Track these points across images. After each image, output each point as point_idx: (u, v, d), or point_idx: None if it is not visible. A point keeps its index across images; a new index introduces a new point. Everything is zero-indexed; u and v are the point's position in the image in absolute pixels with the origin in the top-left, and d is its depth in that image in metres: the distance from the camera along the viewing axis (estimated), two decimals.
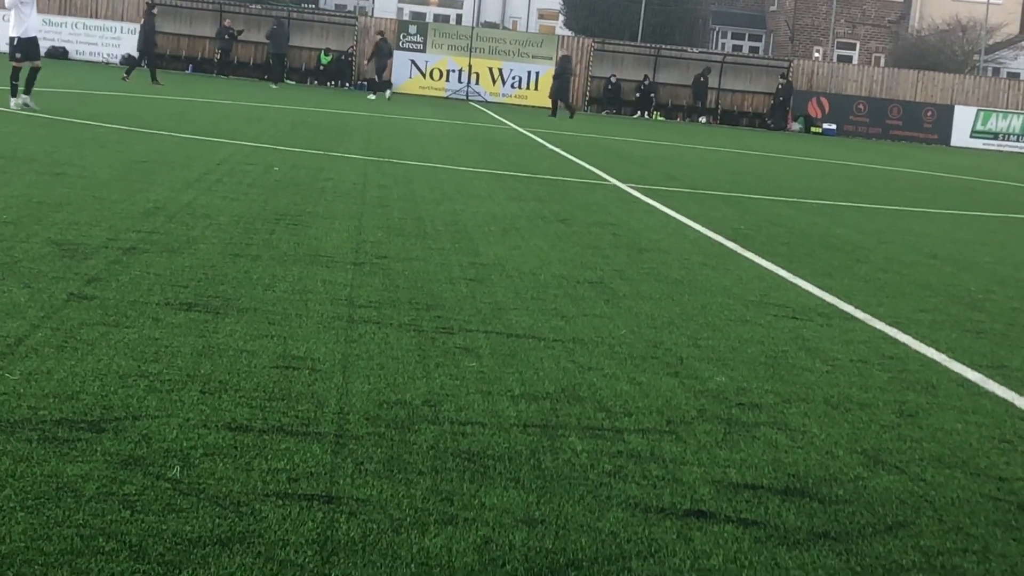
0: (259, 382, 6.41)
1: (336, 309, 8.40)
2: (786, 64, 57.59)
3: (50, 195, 12.35)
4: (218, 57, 53.75)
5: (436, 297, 9.18)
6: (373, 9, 68.75)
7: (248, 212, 12.59)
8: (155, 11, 44.61)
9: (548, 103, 51.56)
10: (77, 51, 53.45)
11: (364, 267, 10.16)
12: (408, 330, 7.99)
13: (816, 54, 65.90)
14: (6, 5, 23.21)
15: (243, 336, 7.37)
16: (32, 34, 23.22)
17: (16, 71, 23.05)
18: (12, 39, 23.13)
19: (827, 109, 56.31)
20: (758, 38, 71.50)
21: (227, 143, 20.60)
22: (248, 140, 21.66)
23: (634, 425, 6.30)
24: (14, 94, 23.13)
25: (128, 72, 41.45)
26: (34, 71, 23.17)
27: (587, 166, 23.51)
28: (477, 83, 55.95)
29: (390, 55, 49.69)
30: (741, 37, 71.39)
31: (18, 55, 23.10)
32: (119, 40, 54.40)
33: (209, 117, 27.37)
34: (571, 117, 45.91)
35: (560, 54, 50.94)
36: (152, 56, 42.40)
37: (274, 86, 48.74)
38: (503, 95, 55.79)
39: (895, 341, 9.27)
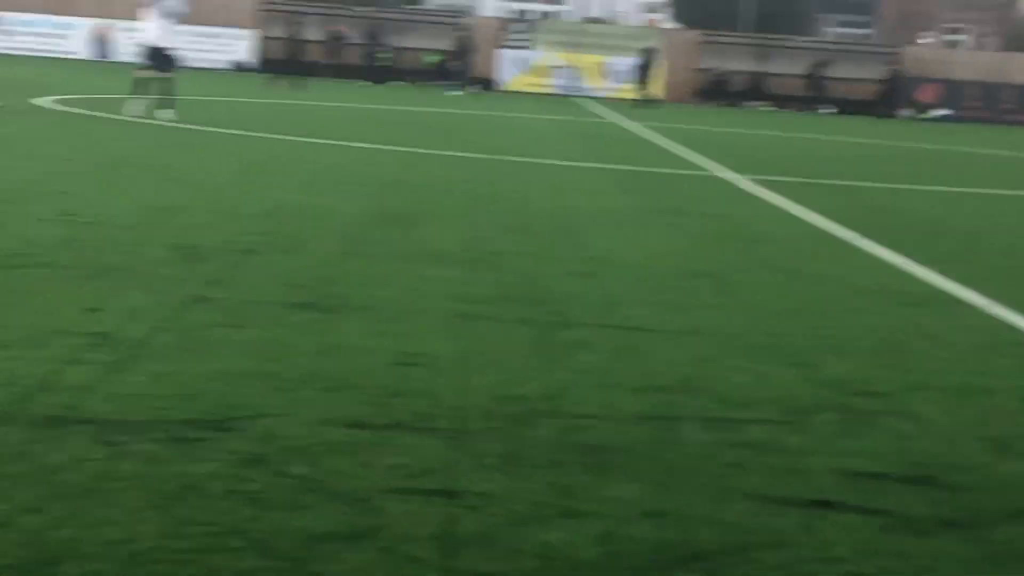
0: (377, 379, 6.45)
1: (451, 306, 8.43)
2: (895, 51, 56.95)
3: (169, 200, 12.52)
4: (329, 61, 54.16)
5: (550, 292, 9.19)
6: (478, 8, 68.83)
7: (361, 212, 12.68)
8: (300, 21, 45.32)
9: (657, 96, 51.55)
10: (190, 58, 54.00)
11: (477, 264, 10.19)
12: (523, 325, 8.00)
13: (925, 39, 65.09)
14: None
15: (360, 334, 7.42)
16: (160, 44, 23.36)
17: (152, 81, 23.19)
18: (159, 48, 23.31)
19: (938, 95, 55.63)
20: (866, 25, 70.76)
21: (339, 145, 20.76)
22: (360, 142, 21.80)
23: (754, 416, 6.26)
24: (172, 105, 23.28)
25: (271, 79, 42.27)
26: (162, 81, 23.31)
27: (697, 158, 23.41)
28: (583, 79, 55.88)
29: (472, 51, 50.12)
30: (849, 25, 70.68)
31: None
32: (231, 46, 54.97)
33: (322, 120, 27.59)
34: (653, 107, 45.89)
35: (646, 45, 50.77)
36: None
37: (366, 83, 49.32)
38: (609, 89, 55.68)
39: (1016, 327, 9.14)
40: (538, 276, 9.81)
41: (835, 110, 55.39)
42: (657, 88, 49.70)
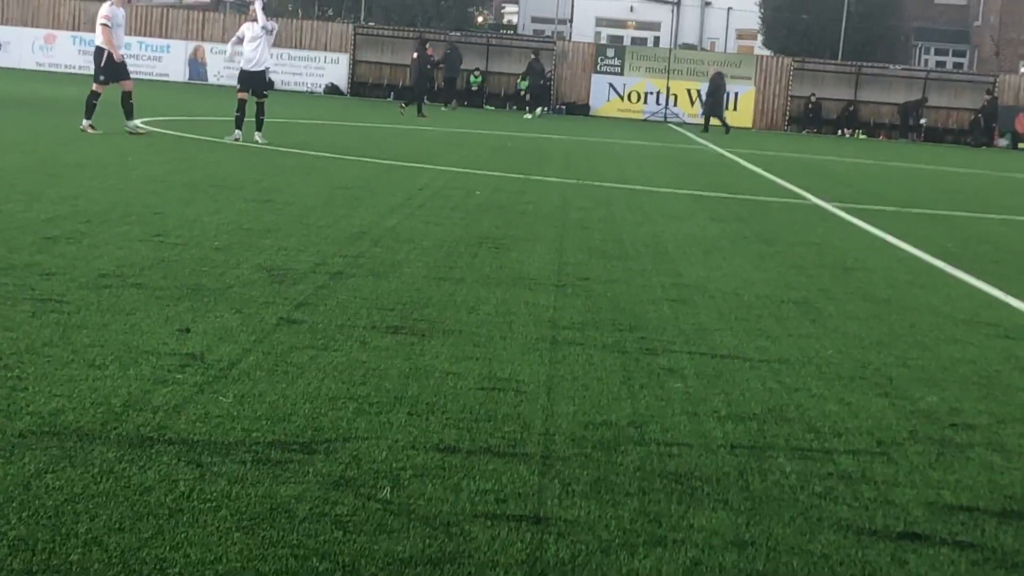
0: (465, 403, 6.44)
1: (540, 331, 8.42)
2: (992, 79, 56.41)
3: (259, 222, 12.60)
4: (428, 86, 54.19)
5: (639, 318, 9.15)
6: (571, 33, 69.00)
7: (451, 236, 12.70)
8: (428, 46, 45.46)
9: (747, 123, 51.45)
10: (283, 81, 54.42)
11: (566, 289, 10.17)
12: (612, 351, 7.97)
13: (1023, 69, 64.42)
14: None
15: (449, 358, 7.42)
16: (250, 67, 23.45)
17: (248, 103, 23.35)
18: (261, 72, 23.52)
19: None
20: (962, 53, 70.16)
21: (429, 168, 20.83)
22: (449, 165, 21.87)
23: (844, 446, 6.20)
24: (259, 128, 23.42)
25: (404, 104, 42.54)
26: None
27: (788, 185, 23.27)
28: (675, 104, 55.81)
29: (542, 74, 50.33)
30: (945, 53, 70.12)
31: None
32: (323, 70, 55.43)
33: (411, 143, 27.71)
34: (727, 133, 45.73)
35: (714, 71, 50.55)
36: (423, 90, 43.59)
37: (445, 108, 49.58)
38: (701, 115, 55.58)
39: None
40: (627, 302, 9.77)
41: (915, 138, 54.93)
42: (727, 115, 49.51)
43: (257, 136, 23.09)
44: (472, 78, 55.58)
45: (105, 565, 4.15)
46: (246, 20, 23.69)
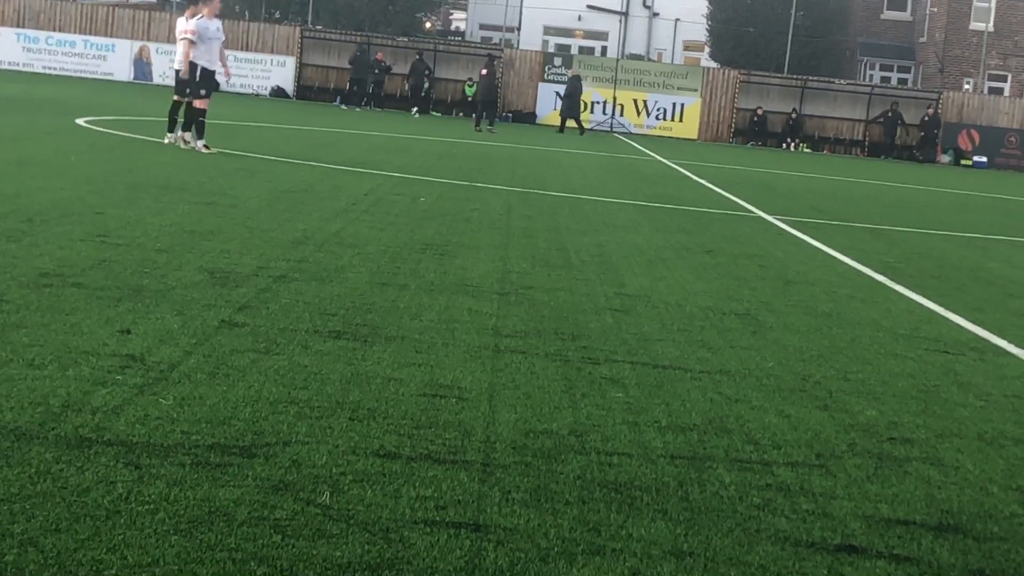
0: (407, 410, 6.44)
1: (482, 338, 8.42)
2: (935, 96, 56.84)
3: (202, 224, 12.54)
4: (370, 89, 54.25)
5: (582, 327, 9.17)
6: (519, 41, 69.06)
7: (395, 241, 12.69)
8: (496, 62, 45.63)
9: (693, 135, 51.77)
10: (228, 83, 54.05)
11: (510, 297, 10.17)
12: (554, 360, 7.98)
13: (966, 86, 64.97)
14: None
15: (391, 364, 7.41)
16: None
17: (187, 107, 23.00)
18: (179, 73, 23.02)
19: (978, 141, 55.49)
20: (907, 69, 70.61)
21: (374, 173, 20.79)
22: (395, 171, 21.84)
23: (783, 458, 6.23)
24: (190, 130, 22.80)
25: (477, 122, 43.53)
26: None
27: (733, 198, 23.38)
28: (622, 115, 55.97)
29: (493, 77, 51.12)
30: (890, 68, 70.55)
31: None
32: (269, 73, 55.24)
33: (356, 148, 27.66)
34: (581, 134, 47.52)
35: (571, 73, 51.39)
36: (490, 105, 44.15)
37: (345, 107, 49.99)
38: (648, 127, 55.78)
39: None
40: (570, 311, 9.78)
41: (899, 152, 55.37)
42: (583, 117, 50.55)
43: (189, 139, 22.66)
44: (467, 87, 55.60)
45: (40, 566, 4.12)
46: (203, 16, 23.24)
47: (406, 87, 54.29)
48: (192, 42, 22.22)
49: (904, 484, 5.99)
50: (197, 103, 22.32)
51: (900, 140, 55.62)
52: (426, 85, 54.87)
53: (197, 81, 22.31)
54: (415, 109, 52.48)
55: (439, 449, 5.82)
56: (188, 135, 22.49)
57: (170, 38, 51.96)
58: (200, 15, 22.59)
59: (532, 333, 8.76)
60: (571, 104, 49.00)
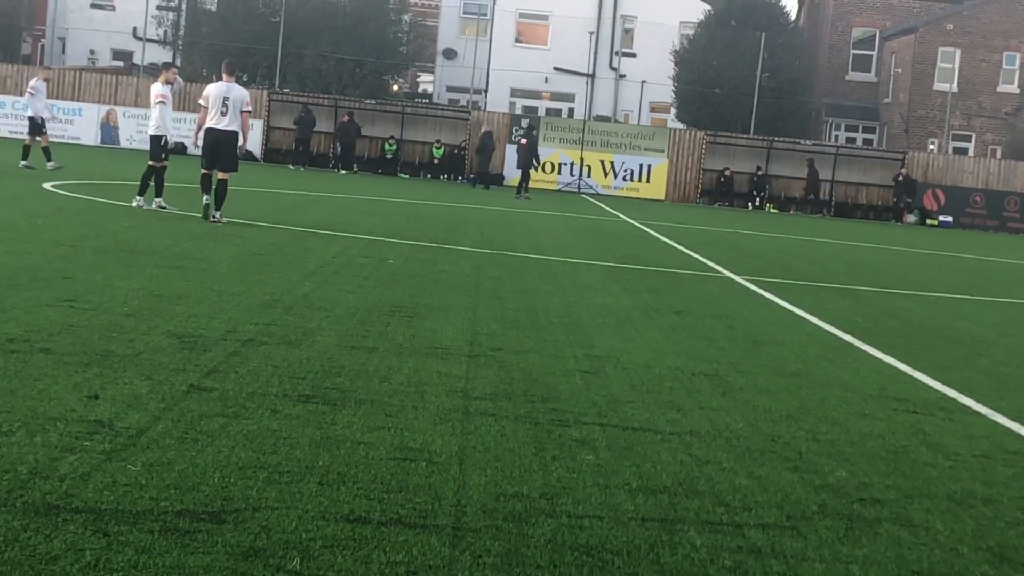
0: (376, 474, 6.42)
1: (452, 401, 8.41)
2: (901, 156, 57.21)
3: (170, 288, 12.52)
4: (338, 151, 54.34)
5: (551, 389, 9.17)
6: (486, 104, 69.32)
7: (364, 304, 12.68)
8: (535, 132, 46.58)
9: (660, 195, 52.15)
10: (196, 145, 54.02)
11: (479, 359, 10.17)
12: (524, 422, 7.97)
13: (931, 146, 65.43)
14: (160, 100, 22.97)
15: (360, 428, 7.39)
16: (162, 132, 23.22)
17: (161, 171, 22.98)
18: (160, 138, 23.08)
19: (943, 201, 55.84)
20: (872, 130, 71.06)
21: (342, 236, 20.80)
22: (363, 233, 21.85)
23: (754, 520, 6.23)
24: (159, 194, 22.83)
25: (520, 191, 45.07)
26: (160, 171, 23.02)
27: (701, 258, 23.45)
28: (589, 175, 56.14)
29: (493, 149, 51.73)
30: (855, 129, 71.01)
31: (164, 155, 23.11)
32: None
33: (324, 211, 27.67)
34: (474, 186, 50.21)
35: (484, 130, 53.04)
36: (528, 171, 45.93)
37: (292, 167, 50.68)
38: (615, 187, 55.95)
39: (1018, 436, 9.11)
40: (540, 373, 9.78)
41: (824, 213, 55.61)
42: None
43: (160, 201, 22.68)
44: (387, 146, 55.67)
45: None
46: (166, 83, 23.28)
47: (337, 148, 54.66)
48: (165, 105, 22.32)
49: (875, 545, 5.99)
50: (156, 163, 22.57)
51: (904, 205, 55.77)
52: (388, 145, 55.25)
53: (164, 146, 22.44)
54: (343, 169, 53.22)
55: (409, 513, 5.80)
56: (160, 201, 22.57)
57: (137, 102, 52.22)
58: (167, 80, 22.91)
59: (502, 395, 8.76)
60: (482, 159, 51.56)
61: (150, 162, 22.93)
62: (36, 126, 32.72)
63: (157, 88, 23.07)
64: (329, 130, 55.28)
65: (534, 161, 47.48)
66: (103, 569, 4.74)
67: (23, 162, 32.01)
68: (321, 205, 29.51)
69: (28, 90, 33.78)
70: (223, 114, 21.27)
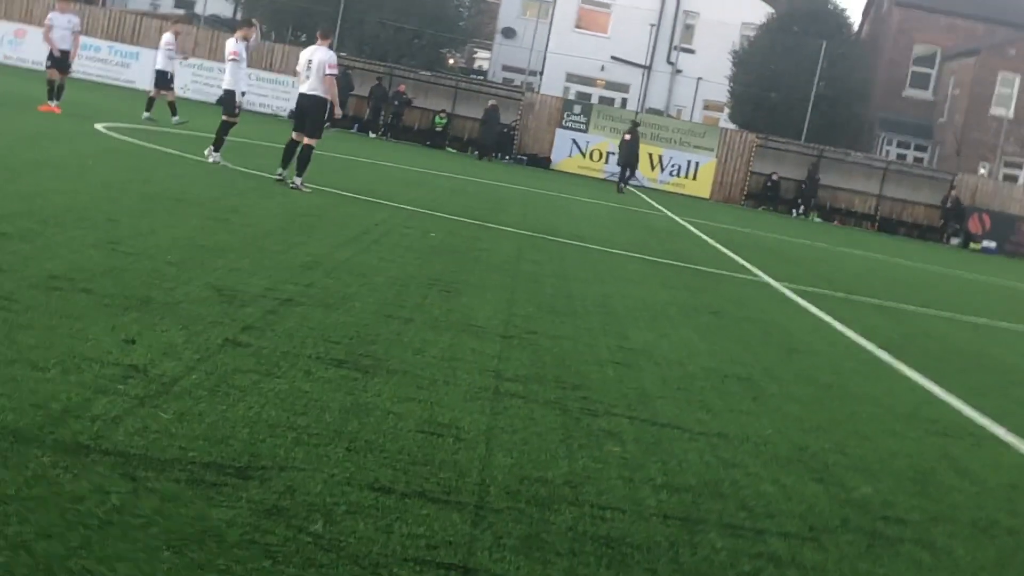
0: (404, 445, 6.43)
1: (483, 380, 8.42)
2: (951, 177, 56.93)
3: (213, 240, 12.56)
4: (389, 120, 54.42)
5: (583, 377, 9.16)
6: (540, 85, 69.21)
7: (403, 274, 12.70)
8: (639, 127, 48.15)
9: (705, 194, 52.08)
10: (249, 102, 54.21)
11: (513, 340, 10.17)
12: (553, 408, 7.98)
13: (982, 170, 65.06)
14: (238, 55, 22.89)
15: (391, 397, 7.41)
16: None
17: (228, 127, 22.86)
18: (232, 93, 22.96)
19: (988, 226, 55.52)
20: (924, 148, 70.71)
21: (387, 204, 20.82)
22: (407, 203, 21.86)
23: (776, 528, 6.22)
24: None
25: (621, 185, 45.91)
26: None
27: (741, 261, 23.39)
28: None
29: (498, 121, 52.13)
30: (907, 146, 70.66)
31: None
32: (288, 94, 55.28)
33: (370, 177, 27.70)
34: (478, 159, 50.67)
35: (490, 103, 53.87)
36: (632, 168, 47.00)
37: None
38: (661, 182, 55.80)
39: None
40: (573, 360, 9.78)
41: (870, 226, 55.43)
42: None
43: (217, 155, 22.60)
44: (437, 119, 55.67)
45: (31, 570, 4.11)
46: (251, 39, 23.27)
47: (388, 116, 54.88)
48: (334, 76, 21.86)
49: (895, 565, 5.97)
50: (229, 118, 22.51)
51: (952, 230, 55.51)
52: (439, 119, 55.29)
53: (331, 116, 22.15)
54: (373, 132, 53.38)
55: (433, 488, 5.81)
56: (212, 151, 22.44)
57: (195, 52, 52.29)
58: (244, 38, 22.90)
59: (533, 379, 8.76)
60: (487, 132, 52.51)
61: (223, 117, 22.83)
62: (164, 79, 32.83)
63: (231, 44, 23.06)
64: (364, 94, 55.13)
65: (636, 156, 47.56)
66: (128, 514, 4.76)
67: (145, 114, 31.94)
68: (367, 172, 29.54)
69: (164, 45, 33.65)
70: (307, 78, 21.23)
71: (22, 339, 7.13)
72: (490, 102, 53.83)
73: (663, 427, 8.02)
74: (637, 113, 57.89)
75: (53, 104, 27.94)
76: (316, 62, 21.13)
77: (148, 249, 11.21)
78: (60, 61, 29.01)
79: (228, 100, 22.91)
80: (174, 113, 31.99)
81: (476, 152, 53.90)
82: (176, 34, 34.79)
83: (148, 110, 32.10)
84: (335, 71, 21.43)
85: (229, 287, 10.06)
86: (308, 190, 20.43)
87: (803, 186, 55.96)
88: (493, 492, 5.93)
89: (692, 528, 5.95)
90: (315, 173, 22.05)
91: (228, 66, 22.96)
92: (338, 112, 21.60)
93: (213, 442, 5.85)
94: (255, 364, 7.60)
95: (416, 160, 39.91)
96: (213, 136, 22.66)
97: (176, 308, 8.82)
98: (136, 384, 6.61)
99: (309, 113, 21.31)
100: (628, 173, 46.95)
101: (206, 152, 22.52)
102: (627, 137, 46.99)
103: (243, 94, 23.25)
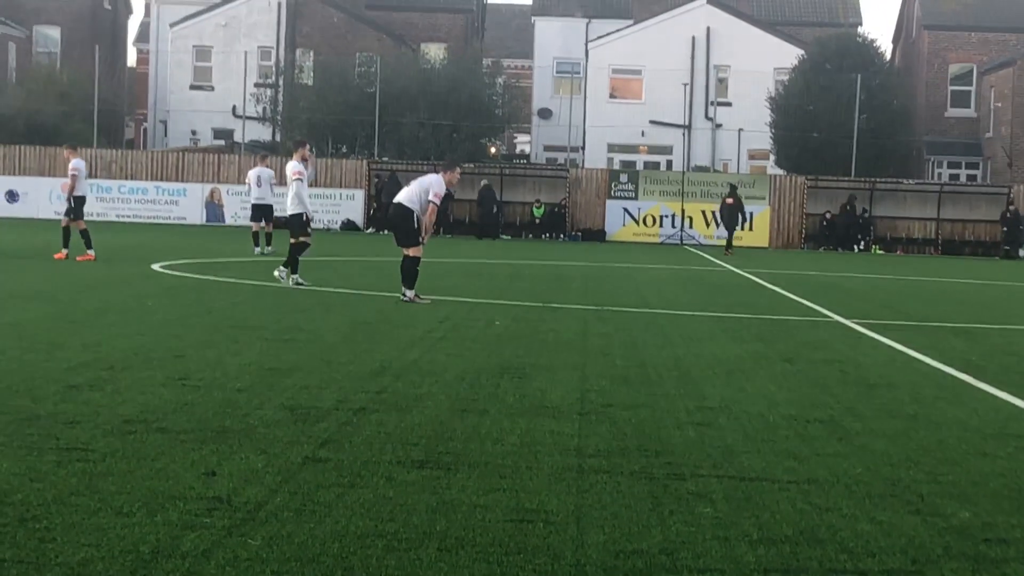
0: (494, 536, 6.41)
1: (566, 460, 8.39)
2: (1007, 190, 56.53)
3: (280, 361, 12.62)
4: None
5: (664, 443, 9.12)
6: (584, 160, 69.45)
7: (472, 367, 12.71)
8: (738, 189, 49.16)
9: (764, 242, 52.04)
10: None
11: (590, 416, 10.14)
12: (639, 478, 7.94)
13: None
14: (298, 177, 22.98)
15: (475, 491, 7.39)
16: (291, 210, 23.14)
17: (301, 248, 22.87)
18: (300, 215, 22.90)
19: None
20: (975, 166, 70.35)
21: (449, 300, 20.87)
22: (468, 296, 21.92)
23: (878, 566, 6.14)
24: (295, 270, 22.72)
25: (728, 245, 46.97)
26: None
27: (808, 303, 23.27)
28: (691, 227, 55.98)
29: (493, 200, 53.83)
30: (957, 166, 70.35)
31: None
32: (338, 207, 55.73)
33: (429, 276, 27.79)
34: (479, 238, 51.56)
35: (483, 183, 54.62)
36: (732, 230, 47.61)
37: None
38: (717, 237, 55.69)
39: None
40: (652, 427, 9.74)
41: (933, 251, 55.05)
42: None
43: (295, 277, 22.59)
44: (535, 209, 56.17)
45: None
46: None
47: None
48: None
49: None
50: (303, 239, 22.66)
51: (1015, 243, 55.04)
52: (493, 210, 55.37)
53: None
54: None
55: (529, 575, 5.78)
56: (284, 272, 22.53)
57: (240, 179, 52.79)
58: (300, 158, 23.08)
59: (615, 452, 8.73)
60: (485, 213, 53.91)
61: (292, 240, 22.78)
62: (260, 212, 33.64)
63: (292, 165, 23.07)
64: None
65: (740, 216, 47.58)
66: None
67: (256, 249, 32.72)
68: (424, 271, 29.64)
69: (250, 181, 34.30)
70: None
71: (103, 486, 7.17)
72: (483, 182, 54.25)
73: (752, 481, 7.96)
74: (733, 181, 57.90)
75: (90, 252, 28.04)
76: (417, 186, 20.53)
77: (217, 379, 11.28)
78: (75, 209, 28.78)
79: (295, 222, 22.83)
80: (268, 243, 32.63)
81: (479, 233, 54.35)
82: (267, 167, 34.96)
83: (257, 245, 33.07)
84: (438, 201, 20.42)
85: (301, 405, 10.09)
86: (427, 301, 20.17)
87: (856, 220, 55.74)
88: (589, 571, 5.90)
89: None
90: (375, 278, 22.08)
91: (293, 186, 22.80)
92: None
93: (305, 562, 5.85)
94: (337, 477, 7.61)
95: (470, 252, 40.02)
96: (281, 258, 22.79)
97: (252, 434, 8.86)
98: (221, 515, 6.63)
99: (395, 223, 20.96)
100: (729, 234, 47.76)
101: (276, 274, 22.64)
102: (729, 201, 47.29)
103: (310, 219, 23.18)
